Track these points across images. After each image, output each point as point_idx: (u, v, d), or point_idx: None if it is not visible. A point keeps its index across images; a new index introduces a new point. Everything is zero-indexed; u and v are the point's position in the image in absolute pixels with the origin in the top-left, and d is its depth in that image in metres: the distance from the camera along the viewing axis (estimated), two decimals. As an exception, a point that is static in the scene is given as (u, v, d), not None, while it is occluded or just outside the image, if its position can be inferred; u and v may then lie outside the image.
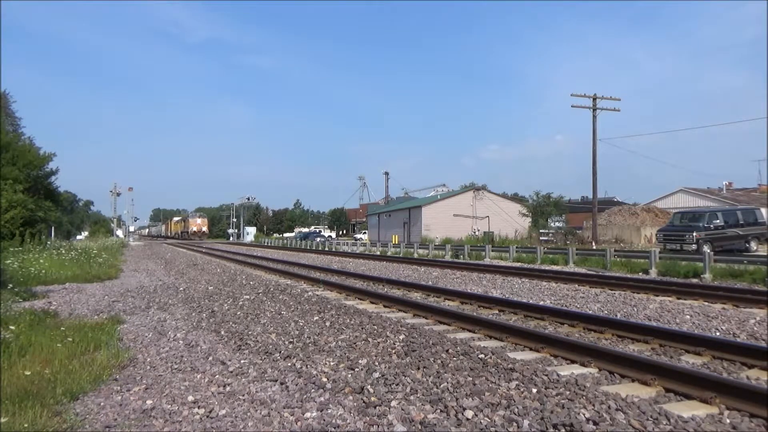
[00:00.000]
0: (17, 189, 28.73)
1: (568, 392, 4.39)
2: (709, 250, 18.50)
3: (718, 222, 24.47)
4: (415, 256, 29.77)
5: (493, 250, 26.89)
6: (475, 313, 8.68)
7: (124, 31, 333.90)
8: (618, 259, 19.54)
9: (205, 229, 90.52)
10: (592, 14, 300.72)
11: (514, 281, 14.31)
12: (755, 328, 7.53)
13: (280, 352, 6.18)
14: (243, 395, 4.71)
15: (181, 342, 7.06)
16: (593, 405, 4.07)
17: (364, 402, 4.38)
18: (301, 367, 5.51)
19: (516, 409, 4.04)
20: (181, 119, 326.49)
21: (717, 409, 4.12)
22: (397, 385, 4.78)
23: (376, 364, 5.50)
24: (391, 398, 4.42)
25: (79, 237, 70.63)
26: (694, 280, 14.66)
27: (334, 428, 3.89)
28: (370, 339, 6.70)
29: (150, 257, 31.32)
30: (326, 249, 40.80)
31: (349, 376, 5.12)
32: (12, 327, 6.75)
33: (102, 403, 4.54)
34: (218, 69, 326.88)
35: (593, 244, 32.79)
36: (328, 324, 7.87)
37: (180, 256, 31.38)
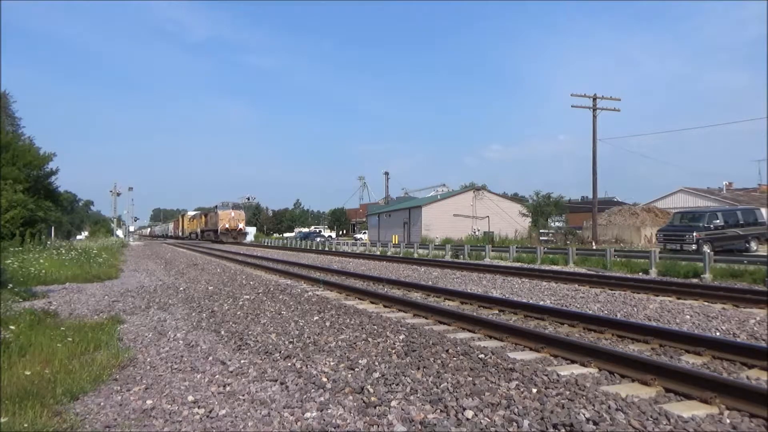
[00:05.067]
0: (17, 189, 28.74)
1: (568, 392, 4.39)
2: (709, 250, 18.51)
3: (718, 222, 24.48)
4: (415, 256, 29.75)
5: (493, 250, 26.89)
6: (475, 313, 8.68)
7: (124, 30, 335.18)
8: (618, 259, 19.54)
9: (242, 226, 61.90)
10: (593, 13, 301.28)
11: (514, 281, 14.30)
12: (755, 328, 7.53)
13: (280, 352, 6.18)
14: (243, 395, 4.71)
15: (181, 342, 7.05)
16: (593, 405, 4.07)
17: (364, 402, 4.38)
18: (301, 367, 5.51)
19: (516, 409, 4.03)
20: (181, 119, 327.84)
21: (717, 409, 4.12)
22: (397, 385, 4.77)
23: (376, 364, 5.50)
24: (391, 398, 4.42)
25: (79, 237, 70.61)
26: (694, 280, 14.66)
27: (334, 428, 3.89)
28: (370, 339, 6.70)
29: (150, 257, 31.32)
30: (326, 249, 40.78)
31: (349, 376, 5.12)
32: (12, 327, 6.75)
33: (102, 403, 4.54)
34: (218, 69, 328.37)
35: (593, 244, 32.79)
36: (328, 324, 7.87)
37: (180, 256, 31.38)
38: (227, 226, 59.91)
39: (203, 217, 71.05)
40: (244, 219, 64.50)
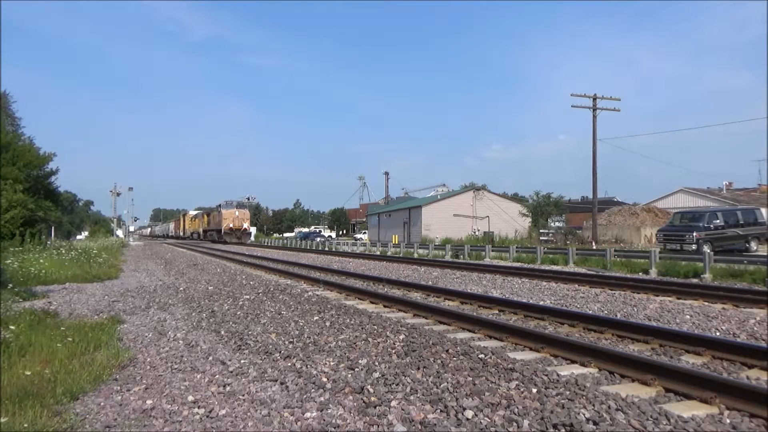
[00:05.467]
0: (17, 189, 28.75)
1: (568, 392, 4.39)
2: (709, 250, 18.50)
3: (718, 222, 24.49)
4: (415, 256, 29.75)
5: (493, 250, 26.88)
6: (475, 313, 8.68)
7: (124, 30, 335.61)
8: (618, 259, 19.54)
9: (246, 225, 59.17)
10: (593, 13, 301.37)
11: (514, 281, 14.30)
12: (755, 328, 7.53)
13: (280, 352, 6.18)
14: (243, 395, 4.71)
15: (181, 342, 7.05)
16: (593, 405, 4.07)
17: (364, 402, 4.38)
18: (301, 367, 5.51)
19: (516, 409, 4.03)
20: (181, 119, 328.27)
21: (717, 409, 4.12)
22: (397, 385, 4.78)
23: (376, 364, 5.50)
24: (391, 398, 4.42)
25: (79, 237, 70.64)
26: (694, 280, 14.66)
27: (334, 428, 3.89)
28: (370, 339, 6.70)
29: (150, 257, 31.32)
30: (326, 249, 40.79)
31: (349, 376, 5.12)
32: (12, 327, 6.75)
33: (102, 403, 4.54)
34: (218, 68, 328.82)
35: (593, 244, 32.79)
36: (328, 324, 7.87)
37: (180, 256, 31.38)
38: (231, 225, 57.03)
39: (205, 216, 68.16)
40: (249, 218, 61.46)
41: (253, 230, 79.52)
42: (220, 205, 60.42)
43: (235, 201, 61.11)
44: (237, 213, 58.10)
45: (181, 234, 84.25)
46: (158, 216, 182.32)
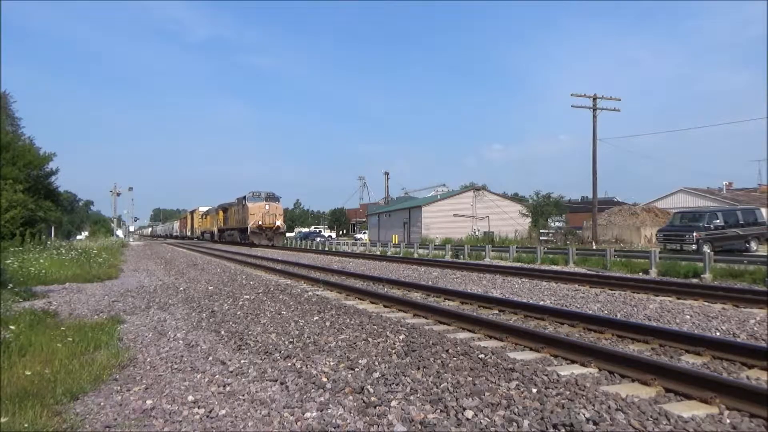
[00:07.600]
0: (17, 189, 28.78)
1: (568, 392, 4.39)
2: (709, 250, 18.50)
3: (718, 222, 24.50)
4: (415, 256, 29.74)
5: (493, 250, 26.88)
6: (475, 313, 8.67)
7: (124, 30, 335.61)
8: (618, 259, 19.53)
9: (280, 223, 46.59)
10: (594, 13, 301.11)
11: (514, 281, 14.30)
12: (755, 328, 7.53)
13: (280, 352, 6.18)
14: (243, 395, 4.71)
15: (181, 342, 7.06)
16: (593, 405, 4.07)
17: (364, 402, 4.38)
18: (301, 367, 5.51)
19: (516, 409, 4.03)
20: (181, 119, 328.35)
21: (717, 409, 4.12)
22: (397, 385, 4.78)
23: (376, 364, 5.50)
24: (391, 398, 4.42)
25: (79, 237, 70.64)
26: (694, 280, 14.66)
27: (334, 428, 3.89)
28: (370, 339, 6.70)
29: (150, 257, 31.31)
30: (326, 249, 40.76)
31: (349, 376, 5.12)
32: (12, 327, 6.75)
33: (102, 403, 4.54)
34: (218, 68, 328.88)
35: (593, 244, 32.79)
36: (328, 324, 7.87)
37: (180, 256, 31.37)
38: (260, 223, 44.51)
39: (221, 212, 55.60)
40: (282, 214, 48.52)
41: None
42: (245, 198, 47.30)
43: (264, 192, 47.61)
44: (267, 207, 45.58)
45: (189, 234, 74.63)
46: (158, 216, 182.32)
